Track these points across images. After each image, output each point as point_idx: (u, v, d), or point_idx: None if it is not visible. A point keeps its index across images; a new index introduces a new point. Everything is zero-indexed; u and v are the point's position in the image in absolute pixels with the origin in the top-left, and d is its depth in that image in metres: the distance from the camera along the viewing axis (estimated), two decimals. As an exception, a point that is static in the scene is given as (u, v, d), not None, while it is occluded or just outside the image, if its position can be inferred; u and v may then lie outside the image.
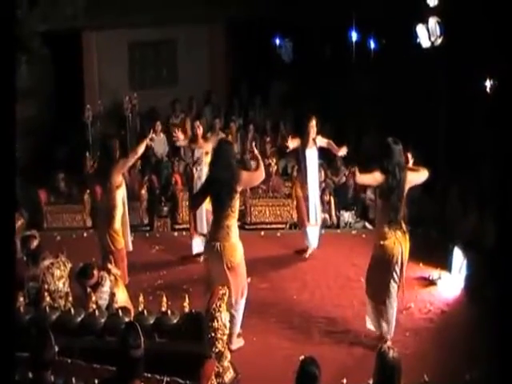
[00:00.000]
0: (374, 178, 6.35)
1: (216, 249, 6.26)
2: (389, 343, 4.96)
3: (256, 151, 6.80)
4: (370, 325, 6.76)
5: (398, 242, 6.38)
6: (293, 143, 8.81)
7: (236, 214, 6.39)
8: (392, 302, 6.55)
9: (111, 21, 13.38)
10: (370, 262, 6.66)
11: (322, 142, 8.99)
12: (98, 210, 7.68)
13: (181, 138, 9.01)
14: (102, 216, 7.42)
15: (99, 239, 7.48)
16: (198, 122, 9.15)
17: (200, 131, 8.98)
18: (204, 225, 8.94)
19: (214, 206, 6.40)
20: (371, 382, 5.45)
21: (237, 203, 6.35)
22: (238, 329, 6.57)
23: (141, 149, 7.54)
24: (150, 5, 13.19)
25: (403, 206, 6.38)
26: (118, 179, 7.29)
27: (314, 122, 8.84)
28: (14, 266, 4.06)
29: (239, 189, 6.35)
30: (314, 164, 8.99)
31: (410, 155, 6.57)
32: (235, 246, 6.35)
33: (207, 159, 8.99)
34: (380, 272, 6.46)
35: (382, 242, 6.39)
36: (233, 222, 6.34)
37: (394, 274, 6.46)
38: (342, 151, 9.05)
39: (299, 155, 9.08)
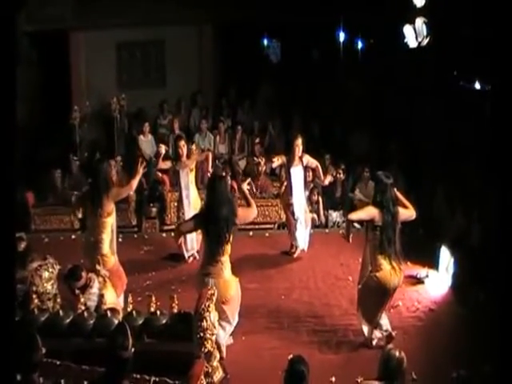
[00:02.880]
0: (369, 213, 6.39)
1: (210, 286, 6.12)
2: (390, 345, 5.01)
3: (246, 189, 6.62)
4: (366, 332, 6.71)
5: (394, 272, 6.37)
6: (276, 162, 8.94)
7: (229, 249, 6.31)
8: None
9: (99, 21, 13.35)
10: (362, 289, 6.62)
11: (310, 162, 9.03)
12: (86, 233, 7.50)
13: (163, 151, 8.94)
14: (91, 240, 7.19)
15: (87, 261, 7.11)
16: (182, 142, 9.04)
17: (184, 151, 8.96)
18: (194, 243, 8.97)
19: (210, 242, 6.27)
20: (359, 380, 5.53)
21: (231, 238, 6.29)
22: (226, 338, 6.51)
23: (135, 182, 7.34)
24: (138, 5, 13.17)
25: (398, 238, 6.41)
26: (110, 207, 7.13)
27: (299, 141, 8.90)
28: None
29: (237, 224, 6.38)
30: (299, 182, 9.05)
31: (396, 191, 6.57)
32: (229, 283, 6.27)
33: (192, 177, 9.03)
34: (374, 301, 6.48)
35: (377, 274, 6.37)
36: (227, 258, 6.28)
37: (389, 299, 6.57)
38: (327, 180, 9.29)
39: (285, 172, 9.19)
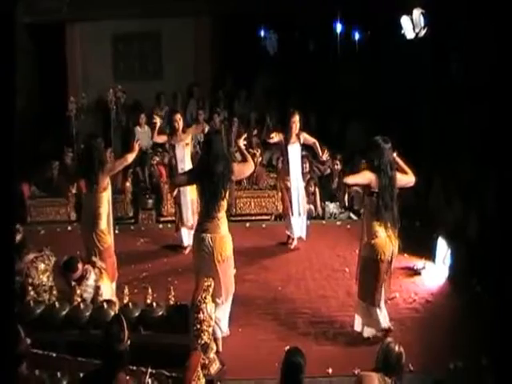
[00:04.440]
0: (365, 177, 6.27)
1: (206, 241, 6.14)
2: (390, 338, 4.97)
3: (242, 145, 6.60)
4: (358, 327, 6.66)
5: (390, 240, 6.30)
6: (274, 138, 8.87)
7: (226, 205, 6.30)
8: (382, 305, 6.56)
9: (95, 13, 13.29)
10: (360, 262, 6.56)
11: (308, 140, 9.02)
12: (83, 210, 7.50)
13: (157, 122, 8.93)
14: (88, 216, 7.24)
15: (85, 239, 7.26)
16: (178, 115, 9.07)
17: (179, 125, 8.96)
18: (189, 215, 8.96)
19: (206, 197, 6.23)
20: (357, 371, 5.54)
21: (227, 194, 6.26)
22: (225, 327, 6.47)
23: (131, 156, 7.38)
24: (135, -3, 13.14)
25: (395, 204, 6.32)
26: (105, 182, 7.14)
27: (296, 118, 8.87)
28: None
29: (234, 179, 6.33)
30: (296, 159, 9.03)
31: (396, 155, 6.50)
32: (226, 239, 6.25)
33: (188, 150, 9.04)
34: (372, 272, 6.35)
35: (372, 241, 6.29)
36: (223, 214, 6.25)
37: (386, 272, 6.41)
38: (325, 156, 9.21)
39: (282, 149, 9.13)
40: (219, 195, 6.13)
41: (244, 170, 6.52)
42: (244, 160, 6.54)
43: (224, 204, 6.23)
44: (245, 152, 6.55)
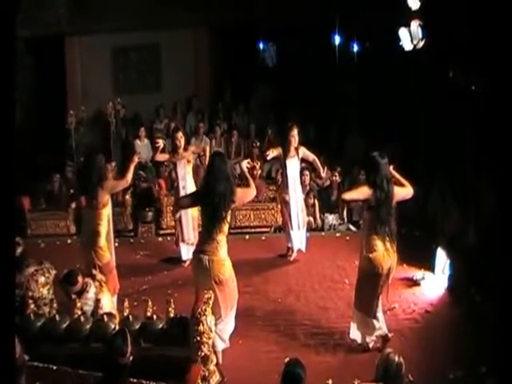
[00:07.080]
0: (362, 192, 6.33)
1: (204, 263, 6.14)
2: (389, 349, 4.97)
3: (245, 168, 6.55)
4: (354, 335, 6.69)
5: (387, 254, 6.34)
6: (273, 153, 8.87)
7: (226, 229, 6.28)
8: (380, 313, 6.60)
9: (94, 26, 13.37)
10: (358, 274, 6.60)
11: (307, 155, 9.04)
12: (83, 226, 7.51)
13: (161, 144, 8.90)
14: (87, 232, 7.21)
15: (84, 254, 7.20)
16: (180, 133, 9.03)
17: (181, 143, 8.96)
18: (191, 233, 8.96)
19: (207, 219, 6.26)
20: (356, 382, 5.54)
21: (229, 217, 6.26)
22: (226, 341, 6.46)
23: (130, 176, 7.35)
24: (134, 10, 13.19)
25: (393, 219, 6.37)
26: (105, 198, 7.11)
27: (295, 132, 8.87)
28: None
29: (235, 203, 6.29)
30: (295, 173, 9.04)
31: (392, 169, 6.53)
32: (223, 262, 6.23)
33: (189, 168, 9.05)
34: (369, 285, 6.41)
35: (370, 255, 6.32)
36: (222, 237, 6.23)
37: (383, 285, 6.46)
38: (323, 173, 9.28)
39: (281, 163, 9.15)
40: (219, 216, 6.12)
41: (246, 195, 6.46)
42: (246, 185, 6.50)
43: (224, 228, 6.20)
44: (248, 176, 6.49)
